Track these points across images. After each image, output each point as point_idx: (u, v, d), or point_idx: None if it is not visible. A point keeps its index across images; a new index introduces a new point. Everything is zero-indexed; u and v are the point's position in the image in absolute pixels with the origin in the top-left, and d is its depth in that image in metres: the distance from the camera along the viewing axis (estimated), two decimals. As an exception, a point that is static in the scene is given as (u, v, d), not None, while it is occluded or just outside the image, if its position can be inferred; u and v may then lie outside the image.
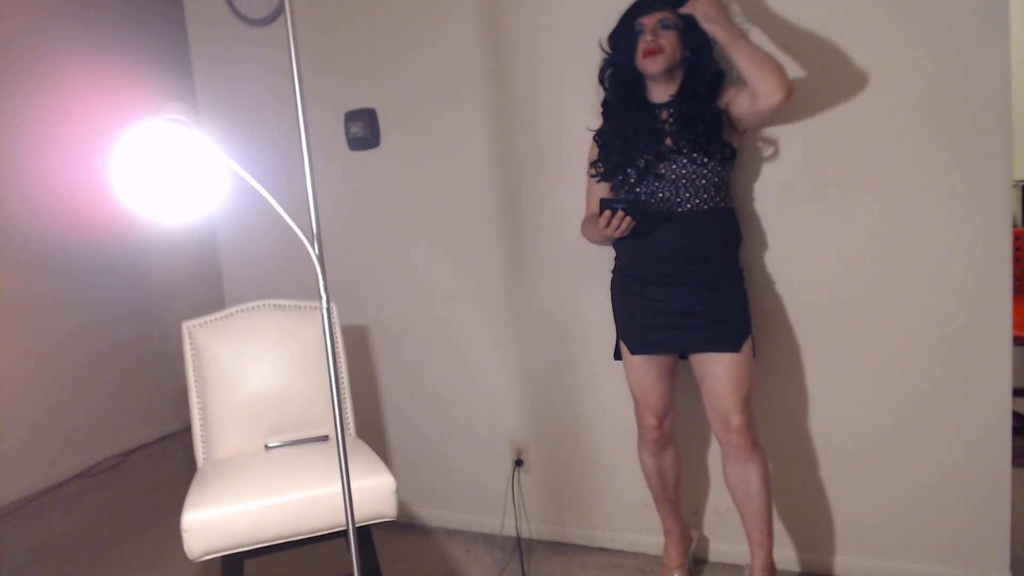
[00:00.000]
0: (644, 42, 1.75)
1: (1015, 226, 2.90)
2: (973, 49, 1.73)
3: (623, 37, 1.82)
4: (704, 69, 1.78)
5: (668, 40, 1.74)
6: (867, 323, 1.92)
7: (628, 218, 1.69)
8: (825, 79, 1.86)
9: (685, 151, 1.74)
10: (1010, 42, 1.70)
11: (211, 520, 1.59)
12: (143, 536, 2.72)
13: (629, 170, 1.80)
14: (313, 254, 1.28)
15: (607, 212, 1.70)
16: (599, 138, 1.91)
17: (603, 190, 1.92)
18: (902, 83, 1.80)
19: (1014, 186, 3.15)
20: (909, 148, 1.81)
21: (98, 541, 2.71)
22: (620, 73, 1.85)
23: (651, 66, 1.75)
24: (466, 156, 2.32)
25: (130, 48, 3.82)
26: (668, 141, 1.77)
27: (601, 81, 1.91)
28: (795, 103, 1.88)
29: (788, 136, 1.91)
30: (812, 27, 1.85)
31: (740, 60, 1.68)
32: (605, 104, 1.92)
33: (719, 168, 1.76)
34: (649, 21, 1.76)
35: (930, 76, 1.77)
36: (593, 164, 1.91)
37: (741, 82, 1.73)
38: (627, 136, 1.81)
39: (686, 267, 1.78)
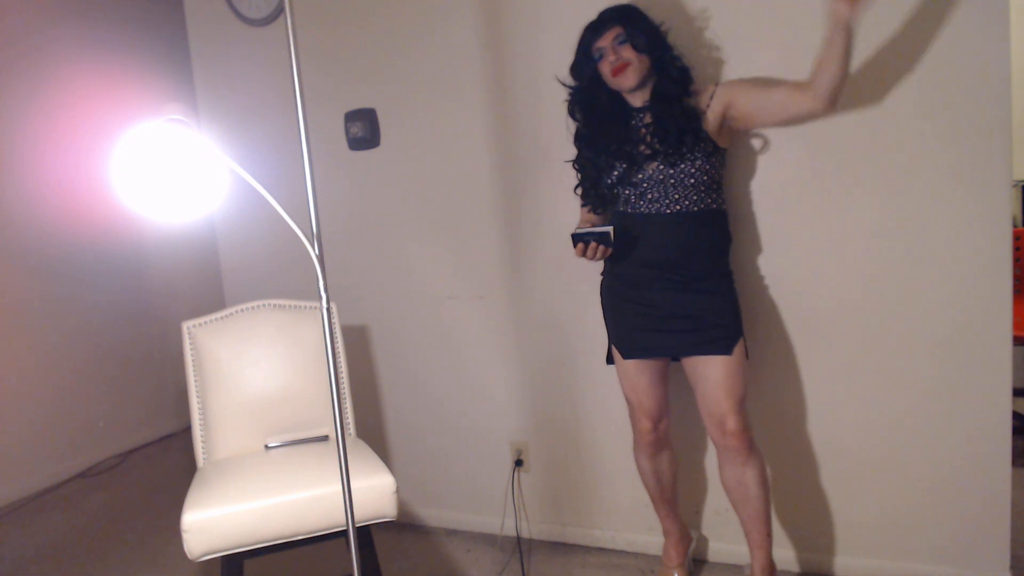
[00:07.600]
0: (608, 63, 1.76)
1: (1015, 226, 2.89)
2: (973, 49, 1.73)
3: (584, 67, 1.82)
4: (669, 68, 1.78)
5: (629, 53, 1.74)
6: (867, 323, 1.91)
7: (601, 247, 1.72)
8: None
9: (660, 156, 1.75)
10: (1010, 42, 1.70)
11: (211, 520, 1.59)
12: (143, 536, 2.72)
13: (602, 188, 1.84)
14: (313, 254, 1.28)
15: (579, 244, 1.72)
16: (576, 167, 1.93)
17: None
18: (902, 83, 1.80)
19: (1014, 186, 3.15)
20: (909, 148, 1.81)
21: (98, 541, 2.71)
22: (590, 98, 1.85)
23: (625, 81, 1.76)
24: (466, 156, 2.32)
25: (130, 48, 3.82)
26: (642, 148, 1.78)
27: (571, 114, 1.91)
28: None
29: (787, 136, 1.91)
30: (811, 27, 1.85)
31: (838, 56, 1.56)
32: (577, 134, 1.92)
33: (707, 167, 1.76)
34: (605, 42, 1.76)
35: (930, 76, 1.77)
36: (576, 191, 1.95)
37: (768, 86, 1.74)
38: (599, 158, 1.83)
39: (674, 270, 1.78)
